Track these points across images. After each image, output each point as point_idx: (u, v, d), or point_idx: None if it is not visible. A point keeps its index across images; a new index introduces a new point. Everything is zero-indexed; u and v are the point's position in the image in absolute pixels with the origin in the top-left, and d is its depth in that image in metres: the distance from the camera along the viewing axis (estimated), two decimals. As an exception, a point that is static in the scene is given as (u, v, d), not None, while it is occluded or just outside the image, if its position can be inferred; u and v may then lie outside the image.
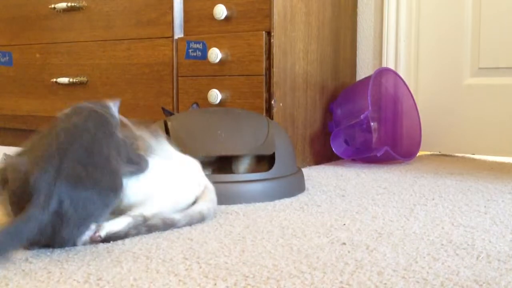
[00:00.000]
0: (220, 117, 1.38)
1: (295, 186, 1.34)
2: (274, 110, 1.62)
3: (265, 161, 1.33)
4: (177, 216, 1.00)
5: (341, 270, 0.79)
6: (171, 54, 1.81)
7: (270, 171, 1.29)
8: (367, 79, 1.83)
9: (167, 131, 1.29)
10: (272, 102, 1.61)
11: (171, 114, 1.52)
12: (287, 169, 1.33)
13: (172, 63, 1.82)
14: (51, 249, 0.89)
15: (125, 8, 1.91)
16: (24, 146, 0.93)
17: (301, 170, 1.40)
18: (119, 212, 0.94)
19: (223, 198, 1.20)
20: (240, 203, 1.22)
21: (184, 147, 1.24)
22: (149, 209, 0.97)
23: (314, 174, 1.60)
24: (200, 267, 0.80)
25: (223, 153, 1.27)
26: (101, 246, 0.91)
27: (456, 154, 2.00)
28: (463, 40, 1.94)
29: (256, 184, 1.26)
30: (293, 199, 1.27)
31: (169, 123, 1.30)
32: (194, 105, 1.65)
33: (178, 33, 1.80)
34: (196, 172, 1.12)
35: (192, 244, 0.92)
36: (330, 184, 1.45)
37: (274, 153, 1.30)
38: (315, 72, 1.79)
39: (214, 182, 1.17)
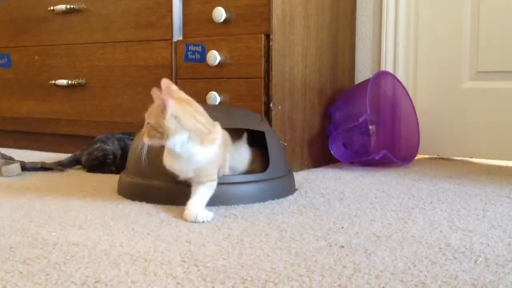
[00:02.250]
0: (214, 109, 1.40)
1: (288, 187, 1.36)
2: (273, 113, 1.62)
3: (257, 164, 1.34)
4: None
5: (339, 273, 0.79)
6: (170, 56, 1.81)
7: (266, 172, 1.30)
8: (365, 82, 1.83)
9: None
10: (271, 105, 1.61)
11: None
12: (280, 171, 1.34)
13: (171, 65, 1.82)
14: (48, 251, 0.89)
15: (124, 11, 1.91)
16: None
17: (292, 172, 1.42)
18: None
19: (220, 199, 1.21)
20: (237, 203, 1.23)
21: None
22: None
23: (312, 177, 1.60)
24: (198, 270, 0.80)
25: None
26: (99, 248, 0.91)
27: (455, 158, 2.00)
28: (461, 43, 1.95)
29: (252, 185, 1.27)
30: (291, 202, 1.27)
31: None
32: None
33: (177, 36, 1.80)
34: None
35: (190, 247, 0.92)
36: (329, 187, 1.45)
37: (268, 156, 1.31)
38: (313, 75, 1.79)
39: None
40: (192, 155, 1.12)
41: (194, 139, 1.11)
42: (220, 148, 1.16)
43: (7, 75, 2.27)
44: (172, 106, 1.08)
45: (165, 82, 1.15)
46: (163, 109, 1.08)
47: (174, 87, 1.16)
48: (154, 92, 1.08)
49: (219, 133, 1.17)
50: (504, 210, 1.19)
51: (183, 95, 1.16)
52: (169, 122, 1.09)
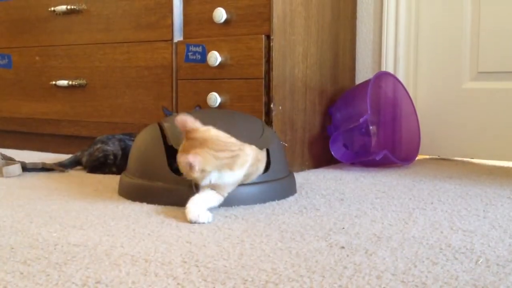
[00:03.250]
0: (216, 117, 1.39)
1: (289, 188, 1.36)
2: (274, 114, 1.62)
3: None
4: None
5: (340, 274, 0.78)
6: (171, 57, 1.82)
7: (266, 173, 1.30)
8: (366, 83, 1.83)
9: (162, 132, 1.30)
10: (272, 105, 1.61)
11: (171, 114, 1.53)
12: (281, 172, 1.34)
13: (171, 66, 1.82)
14: (49, 252, 0.89)
15: (124, 11, 1.91)
16: None
17: (292, 173, 1.42)
18: None
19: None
20: (238, 204, 1.23)
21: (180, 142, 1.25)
22: None
23: (313, 178, 1.60)
24: (199, 271, 0.80)
25: None
26: (100, 249, 0.91)
27: (455, 158, 2.00)
28: (462, 44, 1.94)
29: (253, 186, 1.27)
30: (291, 202, 1.27)
31: (165, 124, 1.30)
32: (197, 108, 1.66)
33: (178, 36, 1.81)
34: None
35: (191, 247, 0.92)
36: (329, 188, 1.44)
37: (269, 157, 1.31)
38: (314, 76, 1.79)
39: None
40: (222, 178, 1.14)
41: (223, 169, 1.13)
42: (248, 169, 1.18)
43: (7, 75, 2.27)
44: (198, 164, 1.08)
45: (180, 120, 1.14)
46: (189, 168, 1.08)
47: (189, 124, 1.14)
48: (181, 156, 1.10)
49: (249, 155, 1.17)
50: (505, 210, 1.19)
51: (199, 132, 1.14)
52: (196, 175, 1.10)
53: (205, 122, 1.32)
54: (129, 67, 1.92)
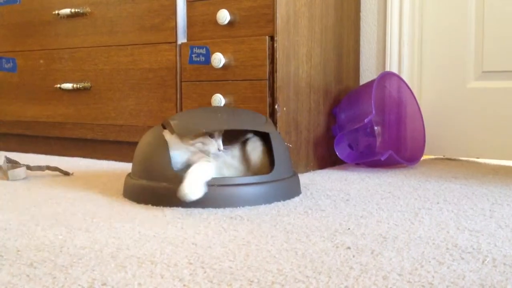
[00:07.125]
0: (220, 110, 1.43)
1: (294, 189, 1.36)
2: (278, 115, 1.62)
3: (263, 165, 1.34)
4: None
5: (346, 275, 0.78)
6: (175, 59, 1.82)
7: (271, 174, 1.30)
8: (370, 83, 1.82)
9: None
10: (276, 106, 1.61)
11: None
12: (285, 172, 1.34)
13: (175, 68, 1.82)
14: (55, 254, 0.89)
15: (128, 14, 1.92)
16: None
17: (297, 173, 1.41)
18: None
19: (226, 200, 1.21)
20: (243, 205, 1.23)
21: (187, 131, 1.26)
22: None
23: (318, 179, 1.60)
24: (205, 272, 0.80)
25: (225, 127, 1.27)
26: (106, 251, 0.91)
27: (461, 158, 1.99)
28: (466, 43, 1.94)
29: (258, 186, 1.26)
30: (297, 203, 1.27)
31: (172, 122, 1.31)
32: None
33: (182, 38, 1.81)
34: None
35: (196, 249, 0.92)
36: (334, 189, 1.44)
37: (273, 158, 1.31)
38: (318, 76, 1.79)
39: (217, 185, 1.20)
40: None
41: None
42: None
43: (12, 79, 2.28)
44: None
45: None
46: None
47: None
48: None
49: None
50: (511, 210, 1.18)
51: None
52: None
53: (208, 113, 1.35)
54: (133, 69, 1.93)
